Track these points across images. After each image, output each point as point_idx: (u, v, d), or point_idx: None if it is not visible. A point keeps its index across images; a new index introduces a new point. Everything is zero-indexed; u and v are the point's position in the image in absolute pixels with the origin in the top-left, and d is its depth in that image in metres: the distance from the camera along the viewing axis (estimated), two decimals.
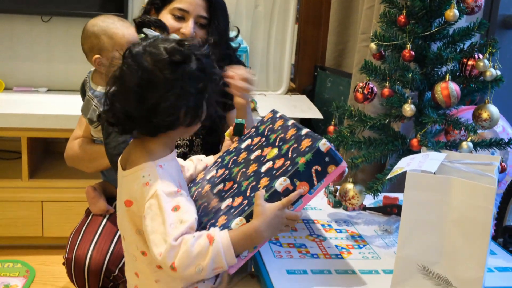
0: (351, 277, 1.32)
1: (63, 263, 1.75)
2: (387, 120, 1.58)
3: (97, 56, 1.78)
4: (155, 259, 1.21)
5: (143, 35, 1.30)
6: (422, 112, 1.52)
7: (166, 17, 1.86)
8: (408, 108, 1.48)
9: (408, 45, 1.48)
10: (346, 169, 1.29)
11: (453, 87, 1.44)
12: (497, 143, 1.50)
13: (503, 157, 1.68)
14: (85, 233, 1.78)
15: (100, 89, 1.79)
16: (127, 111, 1.22)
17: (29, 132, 2.60)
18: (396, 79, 1.54)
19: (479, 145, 1.53)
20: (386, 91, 1.53)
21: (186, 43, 1.25)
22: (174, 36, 1.30)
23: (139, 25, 1.36)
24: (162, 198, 1.21)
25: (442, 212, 1.21)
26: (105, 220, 1.83)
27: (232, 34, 2.02)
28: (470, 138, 1.48)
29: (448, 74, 1.47)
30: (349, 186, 1.54)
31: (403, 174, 1.26)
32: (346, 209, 1.73)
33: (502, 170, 1.48)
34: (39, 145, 2.91)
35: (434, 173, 1.21)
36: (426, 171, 1.21)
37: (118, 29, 1.76)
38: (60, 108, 2.64)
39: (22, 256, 2.65)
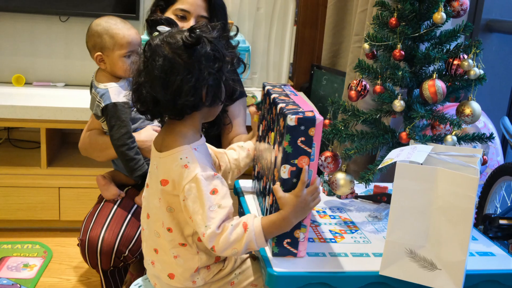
0: (344, 259, 1.31)
1: (78, 244, 1.76)
2: (378, 115, 1.57)
3: (99, 53, 1.79)
4: (201, 238, 1.25)
5: (156, 33, 1.30)
6: (410, 107, 1.52)
7: (170, 17, 1.85)
8: (398, 104, 1.48)
9: (398, 45, 1.48)
10: (319, 118, 1.21)
11: (440, 85, 1.44)
12: (479, 137, 1.50)
13: (484, 150, 1.68)
14: (98, 217, 1.79)
15: (102, 86, 1.79)
16: (154, 97, 1.25)
17: (48, 124, 2.60)
18: (387, 77, 1.53)
19: (463, 139, 1.52)
20: (377, 88, 1.52)
21: (197, 28, 1.27)
22: (196, 26, 1.31)
23: (152, 24, 1.36)
24: (202, 182, 1.24)
25: (428, 199, 1.21)
26: (116, 205, 1.83)
27: (232, 33, 2.01)
28: (454, 132, 1.47)
29: (435, 73, 1.47)
30: (341, 175, 1.54)
31: (393, 165, 1.26)
32: (339, 197, 1.72)
33: (484, 162, 1.48)
34: (56, 135, 2.91)
35: (422, 164, 1.21)
36: (414, 162, 1.21)
37: (119, 29, 1.77)
38: (76, 102, 2.64)
39: (40, 238, 2.65)
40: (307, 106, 1.28)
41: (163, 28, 1.32)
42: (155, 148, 1.36)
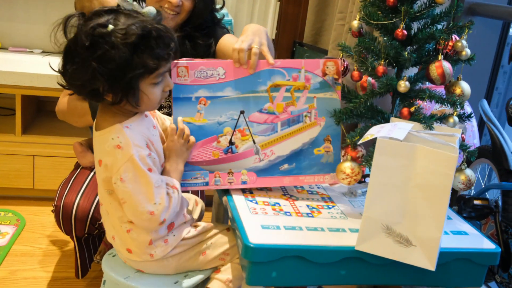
0: (320, 233, 1.31)
1: (52, 211, 1.73)
2: (372, 97, 1.53)
3: None
4: (144, 218, 1.26)
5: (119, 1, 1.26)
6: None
7: None
8: (403, 85, 1.44)
9: (401, 25, 1.45)
10: None
11: (447, 66, 1.42)
12: (459, 116, 1.50)
13: (462, 131, 1.69)
14: (73, 183, 1.76)
15: None
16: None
17: (23, 90, 2.54)
18: (386, 57, 1.49)
19: (442, 118, 1.52)
20: (380, 68, 1.48)
21: (112, 24, 1.20)
22: (149, 9, 1.25)
23: None
24: (139, 161, 1.23)
25: (406, 176, 1.21)
26: (92, 172, 1.81)
27: (218, 5, 1.98)
28: (455, 113, 1.46)
29: (440, 54, 1.45)
30: (349, 164, 1.44)
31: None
32: None
33: (462, 140, 1.48)
34: (32, 103, 2.85)
35: (402, 141, 1.21)
36: (395, 138, 1.21)
37: None
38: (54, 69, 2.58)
39: (14, 206, 2.60)
40: None
41: (123, 3, 1.28)
42: (94, 128, 1.33)
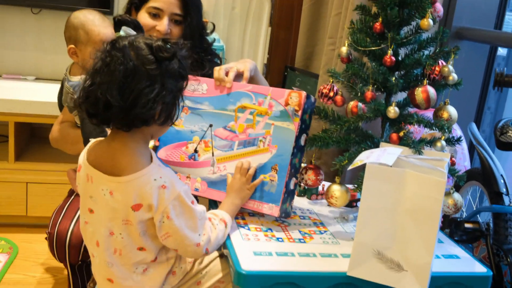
0: (312, 259, 1.31)
1: (46, 238, 1.73)
2: (359, 122, 1.55)
3: (72, 46, 1.75)
4: (190, 250, 1.28)
5: (120, 33, 1.26)
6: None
7: (143, 15, 1.84)
8: (393, 110, 1.47)
9: (389, 51, 1.48)
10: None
11: (432, 91, 1.44)
12: (448, 140, 1.51)
13: (452, 155, 1.71)
14: (67, 210, 1.76)
15: (75, 79, 1.77)
16: (108, 101, 1.16)
17: (17, 117, 2.55)
18: (377, 83, 1.51)
19: (431, 142, 1.54)
20: (369, 94, 1.49)
21: (170, 42, 1.22)
22: (168, 40, 1.28)
23: (118, 23, 1.33)
24: (185, 198, 1.24)
25: (396, 201, 1.22)
26: None
27: (209, 30, 2.01)
28: (443, 137, 1.48)
29: (425, 79, 1.47)
30: (335, 187, 1.50)
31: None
32: (309, 198, 1.73)
33: (452, 164, 1.50)
34: (25, 129, 2.86)
35: (391, 166, 1.22)
36: (384, 164, 1.22)
37: (95, 26, 1.73)
38: (47, 96, 2.59)
39: (6, 233, 2.59)
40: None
41: (129, 31, 1.27)
42: (100, 171, 1.25)
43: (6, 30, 2.94)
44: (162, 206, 1.22)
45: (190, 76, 1.38)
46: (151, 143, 1.69)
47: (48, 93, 2.65)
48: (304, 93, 1.45)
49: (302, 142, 1.49)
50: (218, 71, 1.57)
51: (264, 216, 1.53)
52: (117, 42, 1.20)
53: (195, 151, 1.56)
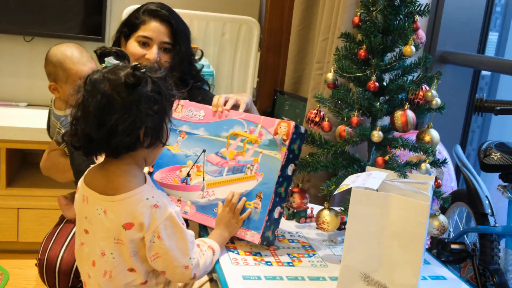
0: (301, 283, 1.33)
1: (36, 264, 1.72)
2: (346, 146, 1.57)
3: (52, 83, 1.76)
4: (178, 272, 1.28)
5: (104, 64, 1.28)
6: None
7: (133, 44, 1.87)
8: (377, 135, 1.49)
9: (373, 77, 1.51)
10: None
11: (411, 115, 1.47)
12: (433, 162, 1.54)
13: (438, 176, 1.73)
14: (57, 236, 1.77)
15: (59, 113, 1.78)
16: (89, 134, 1.19)
17: (8, 144, 2.56)
18: (359, 108, 1.54)
19: (417, 165, 1.56)
20: (354, 119, 1.52)
21: (142, 67, 1.23)
22: (141, 65, 1.29)
23: (101, 56, 1.34)
24: (176, 219, 1.25)
25: (381, 225, 1.24)
26: None
27: (197, 56, 2.04)
28: (428, 160, 1.50)
29: (407, 103, 1.50)
30: (325, 212, 1.52)
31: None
32: (298, 221, 1.74)
33: (437, 186, 1.52)
34: (17, 155, 2.86)
35: (376, 190, 1.24)
36: (369, 188, 1.24)
37: (73, 64, 1.71)
38: (38, 122, 2.59)
39: None
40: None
41: (111, 60, 1.29)
42: (95, 191, 1.27)
43: None
44: (154, 226, 1.23)
45: (190, 103, 1.49)
46: (146, 169, 1.72)
47: (40, 119, 2.64)
48: (292, 124, 1.46)
49: (290, 172, 1.50)
50: (218, 98, 1.63)
51: None
52: (91, 75, 1.23)
53: (188, 175, 1.58)
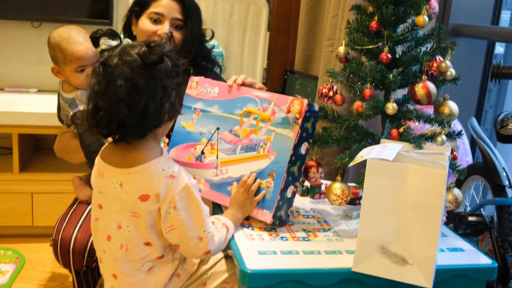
0: (317, 256, 1.31)
1: (50, 245, 1.73)
2: (359, 120, 1.56)
3: (54, 66, 1.77)
4: (192, 245, 1.27)
5: (102, 47, 1.26)
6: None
7: (144, 21, 1.85)
8: (391, 107, 1.47)
9: (385, 49, 1.48)
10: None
11: (432, 86, 1.44)
12: (448, 135, 1.51)
13: (453, 148, 1.71)
14: (71, 217, 1.77)
15: (67, 95, 1.78)
16: (120, 120, 1.18)
17: (20, 129, 2.56)
18: (372, 81, 1.52)
19: (432, 137, 1.54)
20: (367, 91, 1.49)
21: (153, 44, 1.22)
22: (127, 41, 1.27)
23: (96, 39, 1.33)
24: (193, 190, 1.25)
25: (398, 196, 1.22)
26: (89, 206, 1.81)
27: (208, 36, 2.02)
28: (443, 131, 1.48)
29: (424, 75, 1.47)
30: (337, 185, 1.50)
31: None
32: (312, 197, 1.73)
33: (453, 158, 1.50)
34: (29, 141, 2.87)
35: (392, 162, 1.22)
36: (385, 159, 1.22)
37: (69, 44, 1.70)
38: (49, 107, 2.59)
39: (13, 244, 2.60)
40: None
41: (106, 42, 1.28)
42: (110, 165, 1.28)
43: (7, 45, 2.96)
44: (170, 196, 1.23)
45: (205, 79, 1.53)
46: (162, 144, 1.72)
47: (50, 104, 2.64)
48: (306, 101, 1.44)
49: (303, 151, 1.47)
50: (236, 77, 1.61)
51: None
52: (107, 60, 1.20)
53: (202, 152, 1.57)
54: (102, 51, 1.26)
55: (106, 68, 1.19)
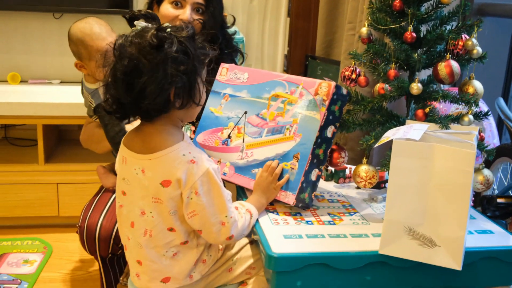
0: (343, 240, 1.30)
1: (77, 232, 1.75)
2: (383, 101, 1.54)
3: (77, 61, 1.76)
4: (214, 230, 1.27)
5: (135, 28, 1.26)
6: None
7: (166, 6, 1.85)
8: (416, 87, 1.45)
9: (410, 28, 1.45)
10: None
11: (455, 65, 1.42)
12: (475, 115, 1.49)
13: (481, 129, 1.67)
14: (96, 204, 1.79)
15: (90, 86, 1.79)
16: (119, 99, 1.20)
17: (44, 120, 2.59)
18: (396, 61, 1.49)
19: (458, 118, 1.51)
20: (392, 72, 1.47)
21: (167, 27, 1.21)
22: (166, 25, 1.26)
23: (130, 19, 1.32)
24: (214, 175, 1.24)
25: (425, 177, 1.20)
26: (115, 193, 1.83)
27: (229, 22, 2.01)
28: (470, 111, 1.45)
29: (448, 53, 1.44)
30: (363, 167, 1.48)
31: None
32: (337, 181, 1.71)
33: (481, 139, 1.47)
34: (53, 132, 2.90)
35: (418, 141, 1.20)
36: (411, 139, 1.20)
37: (93, 41, 1.70)
38: (72, 98, 2.62)
39: (40, 234, 2.64)
40: None
41: (140, 24, 1.27)
42: (133, 151, 1.28)
43: (29, 37, 2.99)
44: (191, 181, 1.22)
45: (235, 66, 1.52)
46: (189, 133, 1.72)
47: (73, 95, 2.69)
48: (333, 83, 1.43)
49: (329, 134, 1.46)
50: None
51: None
52: (121, 40, 1.21)
53: (229, 136, 1.58)
54: (119, 36, 1.26)
55: (118, 47, 1.20)
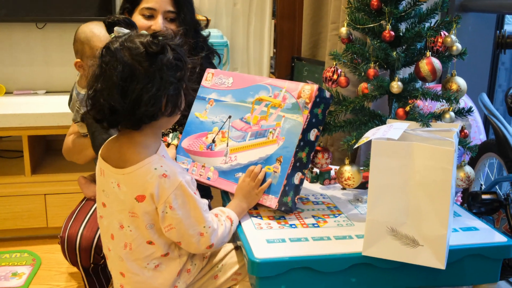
0: (327, 242, 1.29)
1: (58, 242, 1.73)
2: (365, 101, 1.53)
3: (78, 60, 1.76)
4: (193, 241, 1.26)
5: (112, 34, 1.26)
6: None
7: (137, 18, 1.84)
8: (396, 85, 1.44)
9: (388, 26, 1.45)
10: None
11: (437, 62, 1.41)
12: (458, 112, 1.48)
13: (466, 128, 1.67)
14: (77, 214, 1.78)
15: (82, 91, 1.78)
16: (112, 106, 1.17)
17: (29, 131, 2.57)
18: (375, 60, 1.48)
19: (440, 116, 1.50)
20: (371, 71, 1.46)
21: (159, 35, 1.22)
22: (144, 32, 1.26)
23: (110, 25, 1.32)
24: (188, 188, 1.23)
25: (406, 176, 1.19)
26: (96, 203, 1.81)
27: (202, 24, 2.01)
28: (451, 108, 1.44)
29: (428, 51, 1.44)
30: (346, 168, 1.48)
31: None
32: (322, 183, 1.71)
33: (464, 136, 1.46)
34: (39, 143, 2.88)
35: (398, 141, 1.19)
36: (391, 138, 1.19)
37: (101, 42, 1.67)
38: (58, 107, 2.60)
39: (29, 246, 2.61)
40: None
41: (122, 30, 1.27)
42: (109, 164, 1.27)
43: (13, 47, 2.96)
44: (164, 196, 1.21)
45: (220, 71, 1.52)
46: (175, 141, 1.72)
47: (59, 105, 2.66)
48: (316, 86, 1.42)
49: (312, 137, 1.45)
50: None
51: None
52: (109, 46, 1.20)
53: (213, 141, 1.58)
54: (111, 40, 1.25)
55: (108, 52, 1.19)
